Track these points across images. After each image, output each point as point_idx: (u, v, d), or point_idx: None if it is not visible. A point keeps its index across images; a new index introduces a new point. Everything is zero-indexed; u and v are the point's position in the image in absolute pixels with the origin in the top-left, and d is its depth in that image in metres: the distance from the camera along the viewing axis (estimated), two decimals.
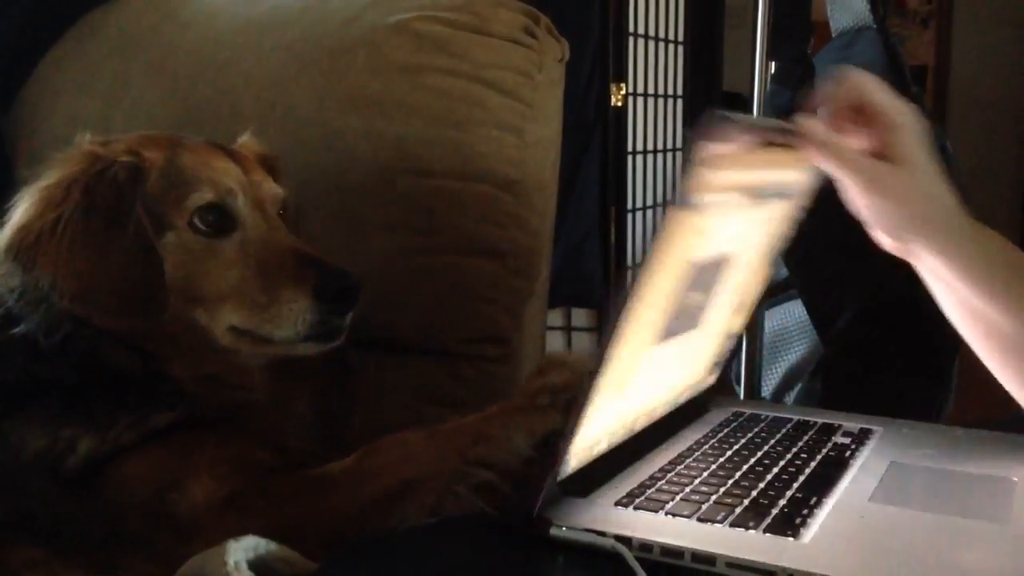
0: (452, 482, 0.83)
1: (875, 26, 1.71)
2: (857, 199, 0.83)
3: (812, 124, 0.81)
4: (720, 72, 4.73)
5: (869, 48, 1.72)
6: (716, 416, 1.05)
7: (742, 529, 0.73)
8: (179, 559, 0.76)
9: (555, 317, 2.43)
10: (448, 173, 1.21)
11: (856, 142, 0.84)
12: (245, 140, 1.07)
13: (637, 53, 2.45)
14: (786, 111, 1.54)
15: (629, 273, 2.46)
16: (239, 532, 0.77)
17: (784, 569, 0.66)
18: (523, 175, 1.24)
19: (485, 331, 1.23)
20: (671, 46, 2.61)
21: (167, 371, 0.91)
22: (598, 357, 0.71)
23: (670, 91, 2.64)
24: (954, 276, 0.84)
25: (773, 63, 1.51)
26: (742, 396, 1.70)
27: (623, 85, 2.38)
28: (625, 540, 0.71)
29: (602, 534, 0.71)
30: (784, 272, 1.69)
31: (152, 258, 0.89)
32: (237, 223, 0.92)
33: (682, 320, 0.86)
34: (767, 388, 1.71)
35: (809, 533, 0.72)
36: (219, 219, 0.91)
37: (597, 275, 2.43)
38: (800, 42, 1.52)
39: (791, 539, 0.71)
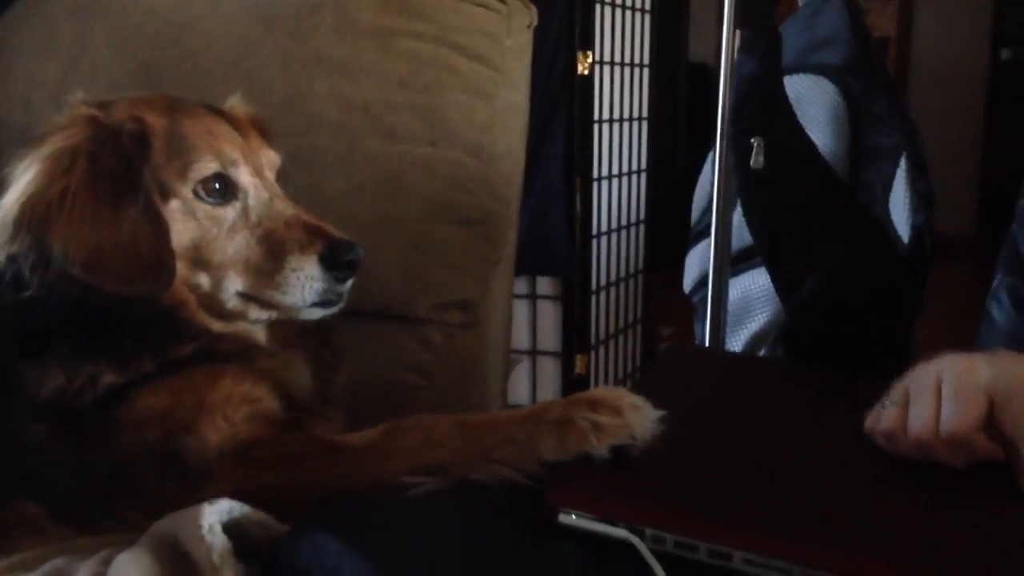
0: (472, 473, 0.81)
1: None
2: None
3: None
4: (686, 41, 4.74)
5: (835, 18, 1.74)
6: None
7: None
8: (184, 507, 0.76)
9: (520, 285, 2.43)
10: (416, 138, 1.20)
11: None
12: (234, 102, 1.06)
13: (604, 21, 2.43)
14: (751, 79, 1.55)
15: (594, 242, 2.47)
16: (249, 485, 0.79)
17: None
18: (491, 141, 1.24)
19: (452, 297, 1.23)
20: (638, 15, 2.60)
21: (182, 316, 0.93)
22: None
23: (636, 60, 2.63)
24: None
25: (739, 32, 1.51)
26: None
27: (589, 53, 2.36)
28: (638, 531, 0.69)
29: (613, 523, 0.69)
30: (748, 240, 1.71)
31: (160, 225, 0.90)
32: (239, 191, 0.94)
33: None
34: None
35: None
36: (223, 187, 0.93)
37: (562, 243, 2.43)
38: (766, 11, 1.53)
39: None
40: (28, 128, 1.25)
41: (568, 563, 0.69)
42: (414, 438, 0.84)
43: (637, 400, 0.82)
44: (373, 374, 1.20)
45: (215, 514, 0.76)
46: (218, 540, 0.75)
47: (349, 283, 0.94)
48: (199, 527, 0.75)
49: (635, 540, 0.68)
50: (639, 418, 0.80)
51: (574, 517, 0.70)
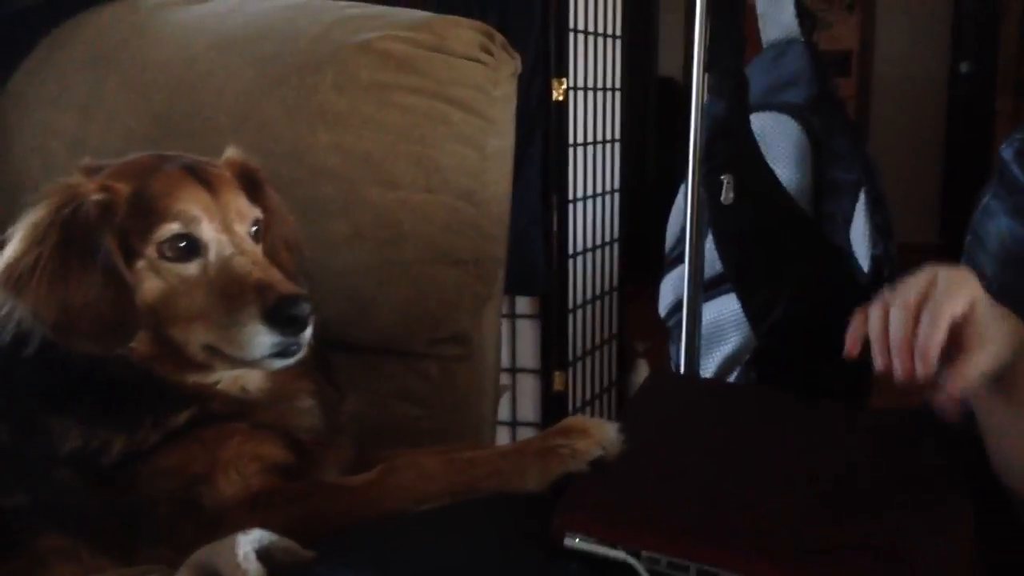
0: None
1: (803, 39, 1.84)
2: None
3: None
4: (655, 59, 4.84)
5: (797, 59, 1.85)
6: None
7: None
8: (200, 547, 0.85)
9: None
10: (413, 186, 1.29)
11: None
12: (229, 154, 1.10)
13: (577, 48, 2.51)
14: (720, 120, 1.65)
15: (570, 261, 2.55)
16: (260, 527, 0.85)
17: None
18: (482, 186, 1.33)
19: (448, 332, 1.32)
20: (609, 40, 2.69)
21: (169, 378, 0.99)
22: None
23: (608, 84, 2.72)
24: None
25: (707, 75, 1.61)
26: None
27: (564, 80, 2.44)
28: (635, 553, 0.77)
29: (613, 545, 0.77)
30: (719, 267, 1.81)
31: (122, 287, 0.95)
32: (202, 248, 0.98)
33: None
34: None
35: None
36: (187, 246, 0.97)
37: (540, 263, 2.50)
38: (734, 55, 1.63)
39: None
40: (45, 176, 1.32)
41: None
42: (407, 476, 0.93)
43: (600, 421, 0.94)
44: (375, 406, 1.28)
45: (249, 543, 0.84)
46: (253, 568, 0.82)
47: (307, 333, 0.96)
48: (235, 555, 0.83)
49: (632, 561, 0.77)
50: (604, 434, 0.92)
51: (578, 540, 0.79)
